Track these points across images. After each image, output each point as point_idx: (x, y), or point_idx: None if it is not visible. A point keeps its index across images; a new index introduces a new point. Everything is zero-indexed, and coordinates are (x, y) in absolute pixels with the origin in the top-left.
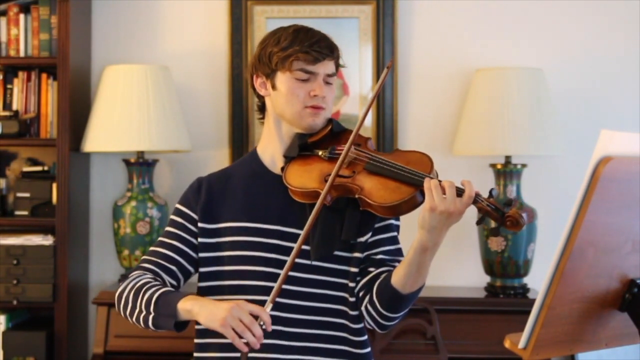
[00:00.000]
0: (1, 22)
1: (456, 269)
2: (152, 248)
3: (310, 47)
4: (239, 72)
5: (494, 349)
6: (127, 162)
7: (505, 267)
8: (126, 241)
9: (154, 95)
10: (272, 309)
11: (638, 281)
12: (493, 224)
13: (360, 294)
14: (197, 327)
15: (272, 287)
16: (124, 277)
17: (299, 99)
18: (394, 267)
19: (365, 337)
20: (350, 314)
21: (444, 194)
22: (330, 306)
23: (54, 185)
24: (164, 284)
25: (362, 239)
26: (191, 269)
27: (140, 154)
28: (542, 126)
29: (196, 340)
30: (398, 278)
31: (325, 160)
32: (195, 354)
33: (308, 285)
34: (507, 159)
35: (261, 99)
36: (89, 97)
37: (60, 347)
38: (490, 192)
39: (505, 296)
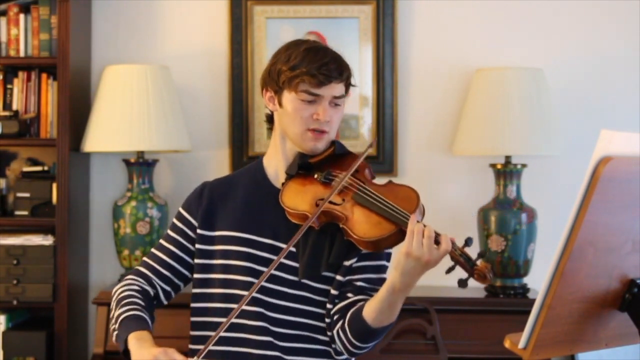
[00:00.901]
0: (1, 22)
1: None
2: (152, 250)
3: (318, 70)
4: (239, 72)
5: (494, 349)
6: (127, 162)
7: (505, 267)
8: (126, 241)
9: (154, 95)
10: (259, 320)
11: (638, 281)
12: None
13: (335, 317)
14: (193, 319)
15: (260, 299)
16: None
17: (302, 121)
18: (372, 296)
19: (345, 356)
20: (328, 334)
21: (424, 241)
22: (312, 322)
23: (54, 185)
24: (149, 297)
25: (347, 263)
26: (189, 274)
27: (140, 154)
28: (542, 126)
29: (191, 346)
30: (369, 312)
31: (319, 183)
32: None
33: (292, 301)
34: (507, 159)
35: (269, 110)
36: (89, 97)
37: (60, 347)
38: (466, 241)
39: (505, 296)
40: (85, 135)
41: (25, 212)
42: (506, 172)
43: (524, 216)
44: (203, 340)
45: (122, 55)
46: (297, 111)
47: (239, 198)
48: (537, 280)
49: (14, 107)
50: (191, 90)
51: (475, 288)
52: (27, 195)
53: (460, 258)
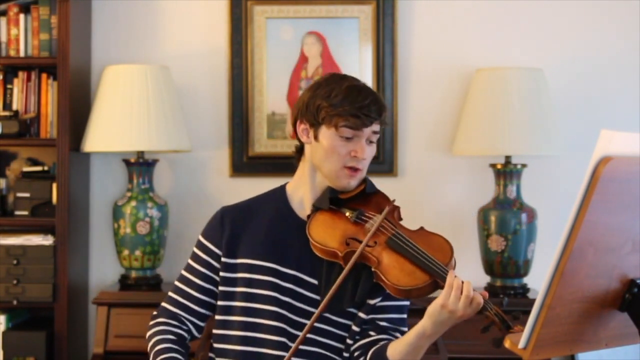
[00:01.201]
0: (1, 22)
1: (456, 268)
2: (177, 284)
3: (360, 110)
4: (239, 72)
5: (494, 349)
6: (127, 162)
7: (505, 267)
8: (126, 241)
9: (154, 95)
10: (280, 349)
11: (638, 281)
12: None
13: (355, 353)
14: (215, 331)
15: (282, 328)
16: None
17: (339, 157)
18: (395, 336)
19: None
20: None
21: (460, 298)
22: (331, 355)
23: (54, 185)
24: (184, 340)
25: (372, 302)
26: (215, 302)
27: (140, 154)
28: (542, 126)
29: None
30: (394, 353)
31: (350, 222)
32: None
33: (312, 332)
34: (507, 159)
35: (301, 142)
36: (89, 97)
37: (60, 347)
38: (502, 302)
39: (505, 296)
40: (85, 135)
41: (25, 212)
42: (506, 172)
43: (524, 216)
44: (226, 338)
45: (122, 55)
46: (335, 148)
47: (262, 226)
48: (537, 280)
49: (14, 107)
50: (191, 90)
51: (476, 288)
52: (27, 195)
53: (495, 318)
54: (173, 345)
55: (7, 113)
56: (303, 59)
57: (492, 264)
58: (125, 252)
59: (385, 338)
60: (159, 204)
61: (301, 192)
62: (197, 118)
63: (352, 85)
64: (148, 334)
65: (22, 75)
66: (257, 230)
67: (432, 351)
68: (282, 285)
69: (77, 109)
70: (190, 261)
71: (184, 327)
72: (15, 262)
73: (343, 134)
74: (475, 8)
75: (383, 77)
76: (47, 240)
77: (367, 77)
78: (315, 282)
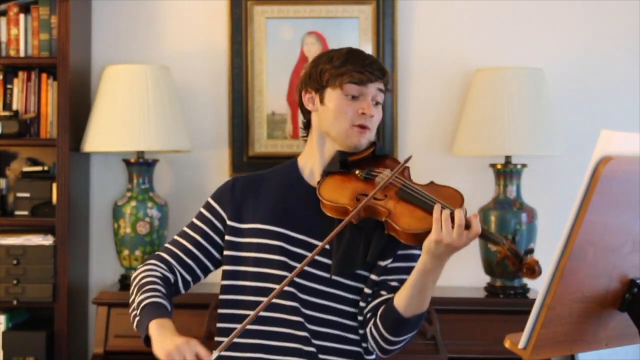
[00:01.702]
0: (1, 22)
1: (456, 269)
2: (175, 237)
3: (364, 67)
4: (239, 72)
5: (494, 349)
6: (127, 162)
7: (505, 267)
8: (126, 241)
9: (154, 95)
10: (295, 315)
11: (638, 281)
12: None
13: (368, 315)
14: (222, 296)
15: (292, 292)
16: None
17: (347, 117)
18: None
19: (374, 356)
20: (360, 333)
21: (453, 227)
22: (344, 321)
23: (54, 185)
24: (170, 284)
25: (383, 263)
26: (211, 266)
27: (140, 154)
28: (542, 126)
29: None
30: (400, 299)
31: (360, 180)
32: (224, 353)
33: (325, 298)
34: (507, 159)
35: (307, 115)
36: (89, 97)
37: (60, 347)
38: (514, 236)
39: (505, 296)
40: (85, 135)
41: (25, 212)
42: (506, 172)
43: (524, 216)
44: (231, 332)
45: (122, 55)
46: (342, 107)
47: (271, 193)
48: (537, 280)
49: (14, 107)
50: (191, 90)
51: (475, 288)
52: (27, 195)
53: (508, 252)
54: (158, 280)
55: (7, 113)
56: (303, 59)
57: (492, 264)
58: (125, 252)
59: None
60: (159, 204)
61: (310, 162)
62: (197, 118)
63: (353, 50)
64: (134, 274)
65: (22, 75)
66: (267, 196)
67: (432, 351)
68: (291, 250)
69: (77, 109)
70: (194, 219)
71: (173, 276)
72: (15, 262)
73: (349, 92)
74: (475, 8)
75: None
76: (47, 240)
77: None
78: (327, 247)
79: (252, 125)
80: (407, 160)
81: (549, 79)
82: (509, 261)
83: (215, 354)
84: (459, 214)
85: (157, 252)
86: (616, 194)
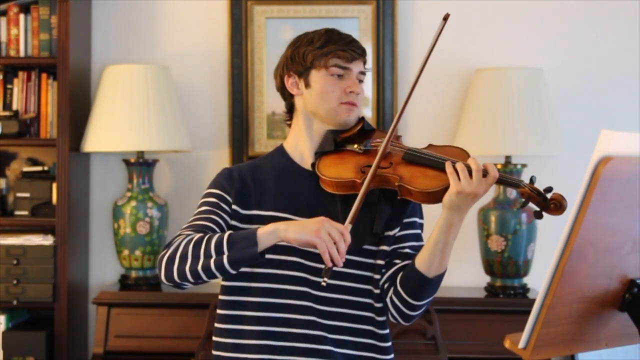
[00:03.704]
0: (1, 22)
1: (456, 269)
2: (184, 226)
3: (346, 46)
4: (239, 72)
5: (494, 349)
6: (127, 162)
7: (505, 267)
8: (126, 241)
9: (154, 95)
10: (304, 299)
11: (638, 281)
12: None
13: (385, 285)
14: (229, 326)
15: (304, 278)
16: (123, 278)
17: (334, 96)
18: None
19: (388, 330)
20: (376, 307)
21: (471, 176)
22: (356, 299)
23: (54, 185)
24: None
25: (391, 233)
26: None
27: (140, 154)
28: (542, 126)
29: (228, 340)
30: (422, 260)
31: (360, 154)
32: (225, 354)
33: (336, 278)
34: (507, 159)
35: (289, 100)
36: (89, 97)
37: (60, 347)
38: (531, 178)
39: (505, 296)
40: (85, 135)
41: (25, 212)
42: (506, 172)
43: (524, 216)
44: (246, 333)
45: (122, 55)
46: (328, 87)
47: (270, 180)
48: (537, 280)
49: (14, 107)
50: (191, 90)
51: (476, 288)
52: (27, 195)
53: (532, 193)
54: (208, 232)
55: (7, 113)
56: None
57: (492, 264)
58: (125, 252)
59: (409, 263)
60: (159, 204)
61: (300, 146)
62: (197, 118)
63: (330, 29)
64: (167, 254)
65: (22, 75)
66: (266, 183)
67: (432, 351)
68: None
69: (77, 109)
70: (197, 209)
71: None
72: (15, 262)
73: (334, 72)
74: (475, 8)
75: (383, 77)
76: (47, 240)
77: (367, 77)
78: None
79: (252, 125)
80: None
81: (549, 79)
82: (533, 201)
83: (349, 226)
84: (474, 162)
85: (174, 238)
86: (616, 194)
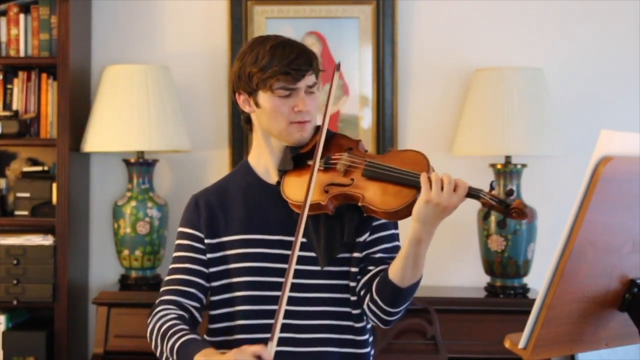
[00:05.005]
0: (1, 22)
1: (456, 269)
2: (167, 277)
3: (289, 66)
4: None
5: (494, 349)
6: (127, 162)
7: (505, 267)
8: (126, 241)
9: (154, 95)
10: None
11: (638, 281)
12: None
13: (362, 292)
14: (212, 326)
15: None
16: (124, 277)
17: (284, 116)
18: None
19: (367, 336)
20: (354, 314)
21: (442, 188)
22: (335, 309)
23: (54, 185)
24: (187, 320)
25: (361, 239)
26: (209, 285)
27: (140, 154)
28: (542, 126)
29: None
30: (395, 272)
31: (321, 171)
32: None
33: (312, 291)
34: (507, 159)
35: (245, 112)
36: (89, 97)
37: (60, 347)
38: (491, 185)
39: (505, 296)
40: (85, 135)
41: (25, 212)
42: (506, 172)
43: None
44: (225, 345)
45: (122, 55)
46: (276, 108)
47: (237, 202)
48: (537, 280)
49: (14, 107)
50: (191, 90)
51: (476, 288)
52: (27, 195)
53: (492, 201)
54: (177, 321)
55: (7, 113)
56: None
57: (492, 264)
58: (125, 252)
59: (384, 268)
60: (159, 204)
61: (263, 160)
62: (197, 118)
63: (276, 44)
64: (149, 328)
65: (22, 75)
66: (234, 206)
67: (432, 351)
68: (272, 252)
69: (77, 109)
70: (174, 254)
71: (186, 313)
72: (15, 262)
73: (279, 93)
74: (475, 8)
75: (383, 77)
76: (47, 240)
77: (367, 77)
78: (304, 240)
79: None
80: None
81: (549, 79)
82: (495, 210)
83: (271, 344)
84: (447, 175)
85: (159, 299)
86: (616, 194)
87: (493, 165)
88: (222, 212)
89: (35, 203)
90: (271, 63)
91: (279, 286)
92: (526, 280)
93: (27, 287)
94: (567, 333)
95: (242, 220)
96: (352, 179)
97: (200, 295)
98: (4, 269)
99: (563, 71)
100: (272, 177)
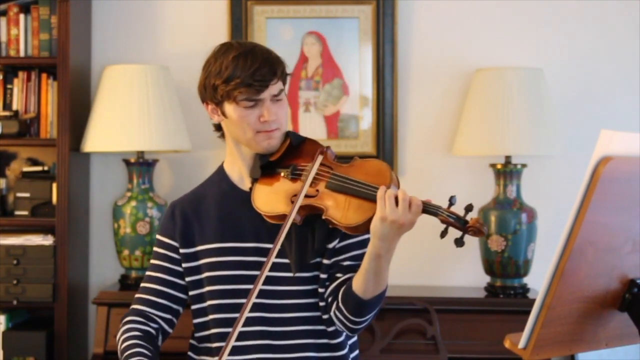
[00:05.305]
0: (1, 22)
1: (456, 269)
2: (142, 284)
3: (252, 77)
4: None
5: (494, 349)
6: (127, 162)
7: (505, 267)
8: (126, 241)
9: (154, 95)
10: (258, 324)
11: (638, 281)
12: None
13: (329, 299)
14: (196, 334)
15: (261, 304)
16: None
17: (250, 126)
18: None
19: (342, 338)
20: (325, 319)
21: (397, 204)
22: (309, 314)
23: (54, 185)
24: (151, 335)
25: (330, 245)
26: (184, 296)
27: (140, 154)
28: (542, 126)
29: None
30: (358, 285)
31: (288, 180)
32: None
33: (287, 297)
34: (507, 159)
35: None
36: (89, 97)
37: (60, 347)
38: (450, 200)
39: (505, 296)
40: (85, 135)
41: (25, 212)
42: (506, 172)
43: (524, 216)
44: (207, 352)
45: (122, 55)
46: (243, 118)
47: (211, 211)
48: (537, 280)
49: (14, 107)
50: (191, 90)
51: (476, 288)
52: (27, 195)
53: (449, 219)
54: (139, 341)
55: (7, 113)
56: (303, 59)
57: (492, 264)
58: (125, 252)
59: (351, 276)
60: (159, 204)
61: (236, 166)
62: (197, 118)
63: (239, 54)
64: (116, 338)
65: (22, 75)
66: (208, 215)
67: (432, 351)
68: (247, 260)
69: (77, 109)
70: (151, 261)
71: (153, 325)
72: (15, 262)
73: (244, 104)
74: (475, 8)
75: (383, 77)
76: (47, 240)
77: (367, 77)
78: (280, 247)
79: None
80: (321, 150)
81: (549, 79)
82: (453, 227)
83: None
84: (402, 191)
85: (131, 307)
86: (616, 194)
87: (493, 165)
88: (197, 221)
89: (35, 203)
90: (234, 74)
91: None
92: (526, 280)
93: (27, 287)
94: (567, 333)
95: (217, 228)
96: (317, 190)
97: (173, 306)
98: (4, 269)
99: (563, 71)
100: (246, 184)
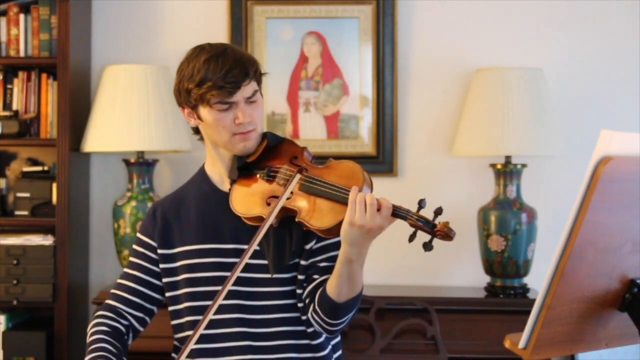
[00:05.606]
0: (1, 22)
1: (456, 269)
2: (118, 280)
3: (224, 80)
4: None
5: (494, 349)
6: (127, 162)
7: (505, 267)
8: (126, 241)
9: (154, 95)
10: (237, 325)
11: (638, 281)
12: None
13: (306, 301)
14: (175, 336)
15: (241, 305)
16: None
17: (225, 129)
18: None
19: (322, 338)
20: (303, 319)
21: (366, 209)
22: (288, 315)
23: (54, 185)
24: (120, 332)
25: (307, 246)
26: (159, 296)
27: (140, 154)
28: (542, 126)
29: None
30: (331, 288)
31: (264, 181)
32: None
33: (266, 299)
34: (507, 159)
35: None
36: (89, 97)
37: (60, 347)
38: (420, 203)
39: (505, 296)
40: (85, 135)
41: (25, 212)
42: (506, 172)
43: (524, 216)
44: (189, 353)
45: (122, 55)
46: (217, 121)
47: (192, 211)
48: (537, 280)
49: (14, 107)
50: None
51: (476, 288)
52: (27, 195)
53: (418, 223)
54: (105, 336)
55: (7, 113)
56: (303, 59)
57: (492, 264)
58: (125, 252)
59: (328, 277)
60: None
61: (216, 168)
62: None
63: (210, 56)
64: (87, 330)
65: (22, 75)
66: (188, 216)
67: (432, 351)
68: (226, 262)
69: (77, 109)
70: (129, 258)
71: (123, 321)
72: (15, 262)
73: (218, 107)
74: (475, 8)
75: (383, 77)
76: (47, 240)
77: (367, 77)
78: (257, 248)
79: None
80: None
81: (549, 79)
82: (421, 230)
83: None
84: (370, 196)
85: (105, 301)
86: (616, 194)
87: (493, 165)
88: (177, 223)
89: (35, 203)
90: (206, 77)
91: (234, 294)
92: (526, 280)
93: (27, 287)
94: (567, 333)
95: (196, 230)
96: (292, 192)
97: (148, 306)
98: (4, 269)
99: (563, 71)
100: (226, 185)
